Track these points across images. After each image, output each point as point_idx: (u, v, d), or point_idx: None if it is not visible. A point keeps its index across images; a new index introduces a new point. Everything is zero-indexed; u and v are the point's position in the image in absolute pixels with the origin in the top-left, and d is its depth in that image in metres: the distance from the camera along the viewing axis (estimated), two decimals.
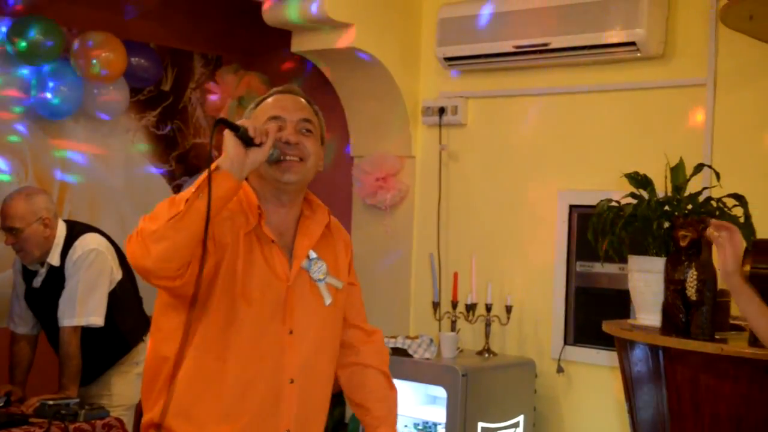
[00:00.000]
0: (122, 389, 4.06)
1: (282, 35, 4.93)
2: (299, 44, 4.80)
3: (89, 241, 3.90)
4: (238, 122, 2.11)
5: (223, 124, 2.10)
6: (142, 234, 2.05)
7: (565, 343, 4.42)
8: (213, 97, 5.67)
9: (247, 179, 2.24)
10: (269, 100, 2.35)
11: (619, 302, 4.12)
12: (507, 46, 4.41)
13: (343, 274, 2.43)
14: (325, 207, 2.41)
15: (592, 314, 4.26)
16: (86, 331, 3.86)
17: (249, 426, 2.23)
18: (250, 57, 5.84)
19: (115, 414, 3.83)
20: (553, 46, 4.27)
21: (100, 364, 4.02)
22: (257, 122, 2.23)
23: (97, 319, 3.84)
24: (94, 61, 4.88)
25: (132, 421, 4.24)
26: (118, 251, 4.03)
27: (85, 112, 5.14)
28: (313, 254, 2.33)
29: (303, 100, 2.37)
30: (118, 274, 3.97)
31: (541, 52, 4.33)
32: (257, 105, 2.36)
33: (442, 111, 4.78)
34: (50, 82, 4.89)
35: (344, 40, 4.63)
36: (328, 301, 2.34)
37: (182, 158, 5.77)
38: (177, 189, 5.70)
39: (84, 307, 3.82)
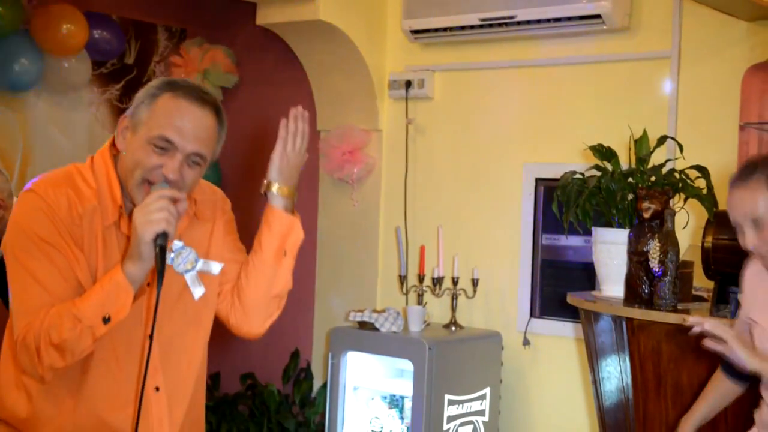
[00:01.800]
0: None
1: (247, 8, 4.88)
2: (265, 17, 4.75)
3: None
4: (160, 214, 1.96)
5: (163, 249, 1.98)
6: (44, 367, 1.99)
7: (531, 315, 4.44)
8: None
9: (114, 164, 2.12)
10: (176, 104, 2.06)
11: (585, 274, 4.16)
12: (473, 19, 4.39)
13: (220, 253, 2.23)
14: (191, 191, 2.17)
15: (558, 286, 4.29)
16: None
17: None
18: (215, 30, 5.78)
19: None
20: (518, 18, 4.26)
21: None
22: (149, 123, 2.04)
23: None
24: (55, 34, 4.80)
25: None
26: None
27: (46, 86, 5.07)
28: (177, 244, 2.10)
29: (213, 117, 2.11)
30: None
31: (507, 24, 4.32)
32: (161, 92, 2.08)
33: (408, 84, 4.76)
34: (10, 55, 4.80)
35: (310, 13, 4.58)
36: (197, 294, 2.13)
37: None
38: None
39: None
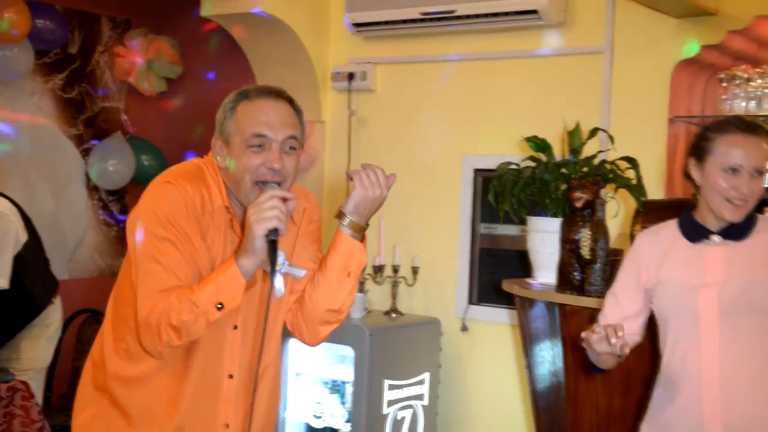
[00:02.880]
0: (32, 353, 4.04)
1: None
2: (209, 8, 4.75)
3: None
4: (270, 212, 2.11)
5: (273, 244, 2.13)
6: (162, 344, 2.16)
7: (470, 302, 4.53)
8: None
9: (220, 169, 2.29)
10: (254, 105, 2.26)
11: (520, 262, 4.22)
12: (414, 13, 4.46)
13: (300, 260, 2.35)
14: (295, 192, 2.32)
15: (495, 274, 4.37)
16: None
17: (186, 415, 2.27)
18: (160, 21, 5.79)
19: (25, 377, 3.81)
20: (458, 13, 4.34)
21: (10, 327, 3.99)
22: (238, 131, 2.22)
23: (2, 282, 3.81)
24: None
25: (42, 384, 4.22)
26: (23, 214, 3.99)
27: None
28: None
29: (289, 106, 2.29)
30: (23, 237, 3.94)
31: (446, 18, 4.39)
32: (237, 103, 2.27)
33: (351, 76, 4.82)
34: None
35: (254, 5, 4.60)
36: (279, 294, 2.22)
37: (90, 122, 5.71)
38: (85, 153, 5.65)
39: None
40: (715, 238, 2.49)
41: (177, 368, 2.25)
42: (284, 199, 2.16)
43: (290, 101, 2.30)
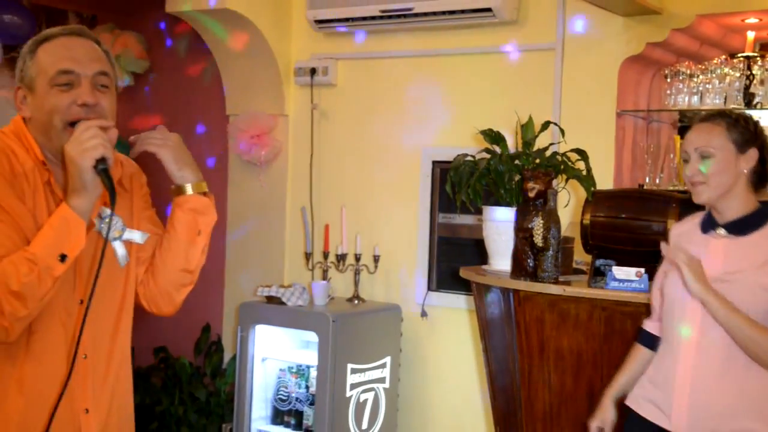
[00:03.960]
0: None
1: None
2: (174, 4, 4.81)
3: None
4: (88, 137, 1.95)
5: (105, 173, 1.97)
6: (7, 318, 1.93)
7: (428, 289, 4.66)
8: None
9: (25, 123, 2.10)
10: (56, 44, 2.07)
11: (477, 250, 4.35)
12: (373, 10, 4.59)
13: (140, 226, 2.20)
14: (117, 159, 2.16)
15: (453, 262, 4.49)
16: None
17: (34, 402, 2.04)
18: (126, 16, 5.84)
19: None
20: (416, 10, 4.47)
21: None
22: (41, 71, 2.03)
23: None
24: None
25: None
26: None
27: None
28: (106, 211, 2.07)
29: (95, 44, 2.11)
30: None
31: (405, 16, 4.52)
32: (37, 46, 2.07)
33: (313, 72, 4.92)
34: None
35: (218, 2, 4.67)
36: (123, 261, 2.09)
37: None
38: None
39: None
40: (720, 231, 2.64)
41: (18, 354, 2.03)
42: (104, 129, 1.99)
43: (96, 41, 2.12)
